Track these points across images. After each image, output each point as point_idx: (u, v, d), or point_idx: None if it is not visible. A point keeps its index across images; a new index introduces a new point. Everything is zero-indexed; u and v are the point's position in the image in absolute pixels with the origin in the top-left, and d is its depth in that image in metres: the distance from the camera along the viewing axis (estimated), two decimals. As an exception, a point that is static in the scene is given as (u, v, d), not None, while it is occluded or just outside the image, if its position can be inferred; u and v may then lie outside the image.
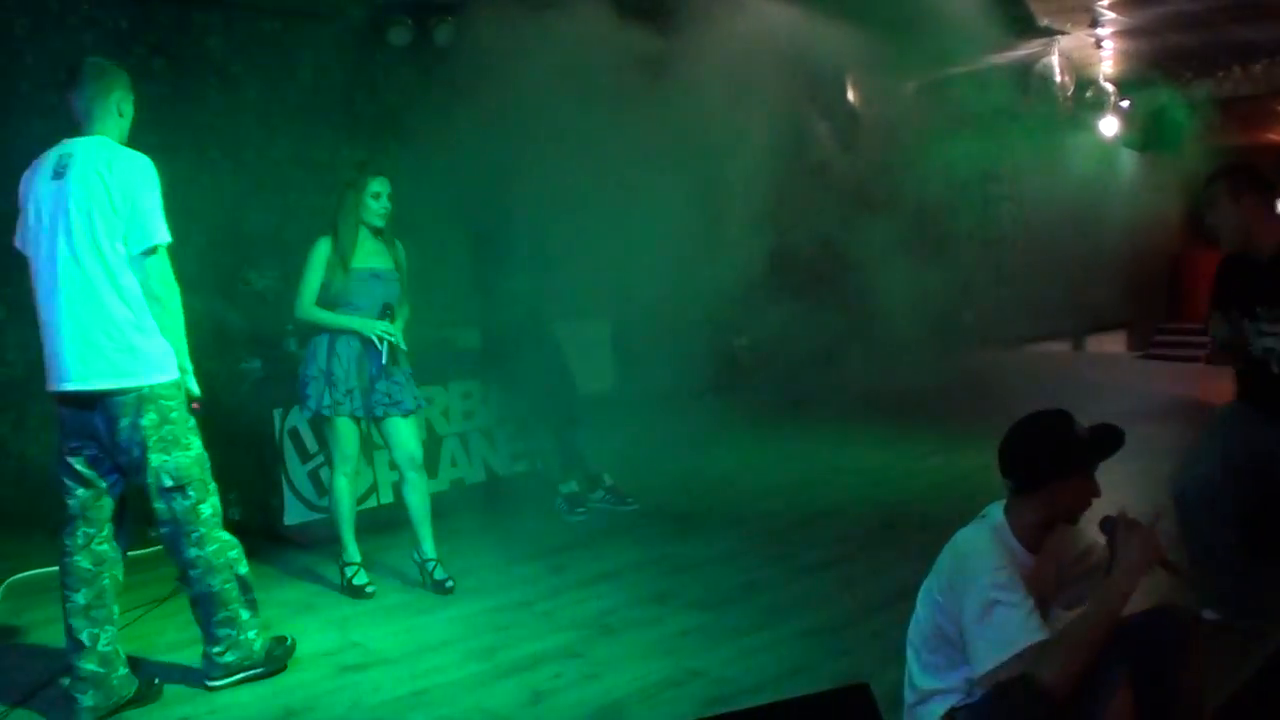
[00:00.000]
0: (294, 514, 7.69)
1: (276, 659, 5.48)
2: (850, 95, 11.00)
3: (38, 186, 4.97)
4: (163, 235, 4.87)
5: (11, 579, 6.98)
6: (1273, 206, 5.33)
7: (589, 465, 8.50)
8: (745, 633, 5.77)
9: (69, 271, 4.85)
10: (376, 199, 6.53)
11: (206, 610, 5.26)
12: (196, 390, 5.10)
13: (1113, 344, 18.38)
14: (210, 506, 5.16)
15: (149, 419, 4.93)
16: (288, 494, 7.67)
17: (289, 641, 5.61)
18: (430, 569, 6.75)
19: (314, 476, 7.82)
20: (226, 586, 5.23)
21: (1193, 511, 5.48)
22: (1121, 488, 3.96)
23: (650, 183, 8.44)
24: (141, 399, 4.90)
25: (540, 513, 8.33)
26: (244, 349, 7.85)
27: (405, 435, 6.62)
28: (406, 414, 6.60)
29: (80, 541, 5.21)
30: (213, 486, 5.20)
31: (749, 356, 10.37)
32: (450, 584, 6.69)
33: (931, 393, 9.54)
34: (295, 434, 7.75)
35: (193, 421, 5.11)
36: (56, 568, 7.11)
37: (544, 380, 8.27)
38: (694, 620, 5.99)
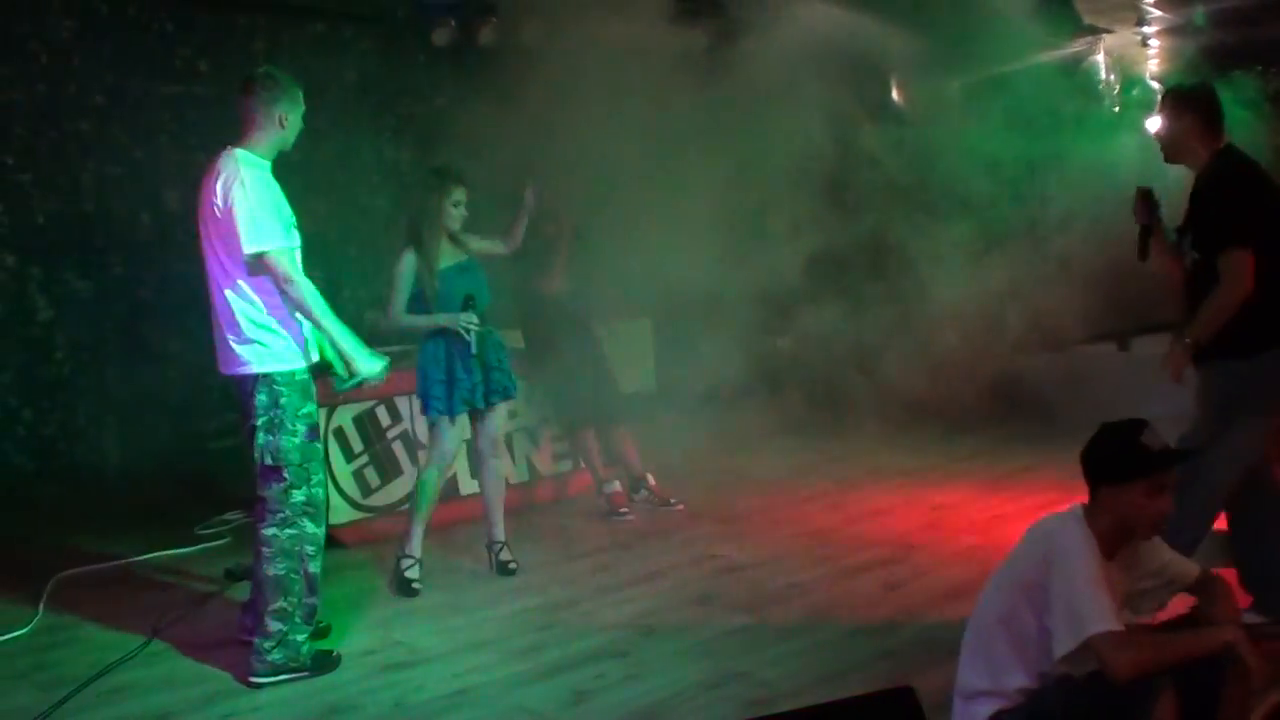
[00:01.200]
0: (339, 513, 7.71)
1: (322, 667, 5.50)
2: (895, 94, 10.93)
3: (202, 190, 5.29)
4: (264, 243, 5.10)
5: (60, 575, 7.04)
6: (1211, 133, 5.45)
7: (632, 465, 8.48)
8: (788, 635, 5.74)
9: (211, 271, 5.28)
10: (457, 206, 6.73)
11: (266, 595, 5.36)
12: (343, 370, 5.45)
13: (1160, 345, 18.22)
14: (304, 494, 5.35)
15: (260, 400, 5.25)
16: (334, 493, 7.68)
17: (335, 655, 5.62)
18: (498, 551, 7.00)
19: (359, 475, 7.87)
20: (293, 576, 5.36)
21: (1239, 511, 5.45)
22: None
23: (694, 180, 8.42)
24: (258, 381, 5.25)
25: (583, 513, 8.33)
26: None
27: (500, 421, 7.01)
28: (509, 399, 6.97)
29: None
30: (317, 478, 5.41)
31: (791, 357, 10.32)
32: (514, 566, 6.97)
33: (975, 394, 9.46)
34: (340, 433, 7.79)
35: (308, 408, 5.36)
36: (104, 565, 7.24)
37: (586, 380, 8.27)
38: (737, 622, 5.97)
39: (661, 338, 10.32)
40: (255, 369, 5.24)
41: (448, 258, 6.75)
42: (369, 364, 5.38)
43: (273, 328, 5.24)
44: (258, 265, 5.14)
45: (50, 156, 9.31)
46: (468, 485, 8.13)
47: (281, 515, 5.31)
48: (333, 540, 7.54)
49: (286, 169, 5.35)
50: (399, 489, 7.99)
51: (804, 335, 9.50)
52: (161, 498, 8.86)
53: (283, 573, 5.33)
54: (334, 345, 5.36)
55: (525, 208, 7.30)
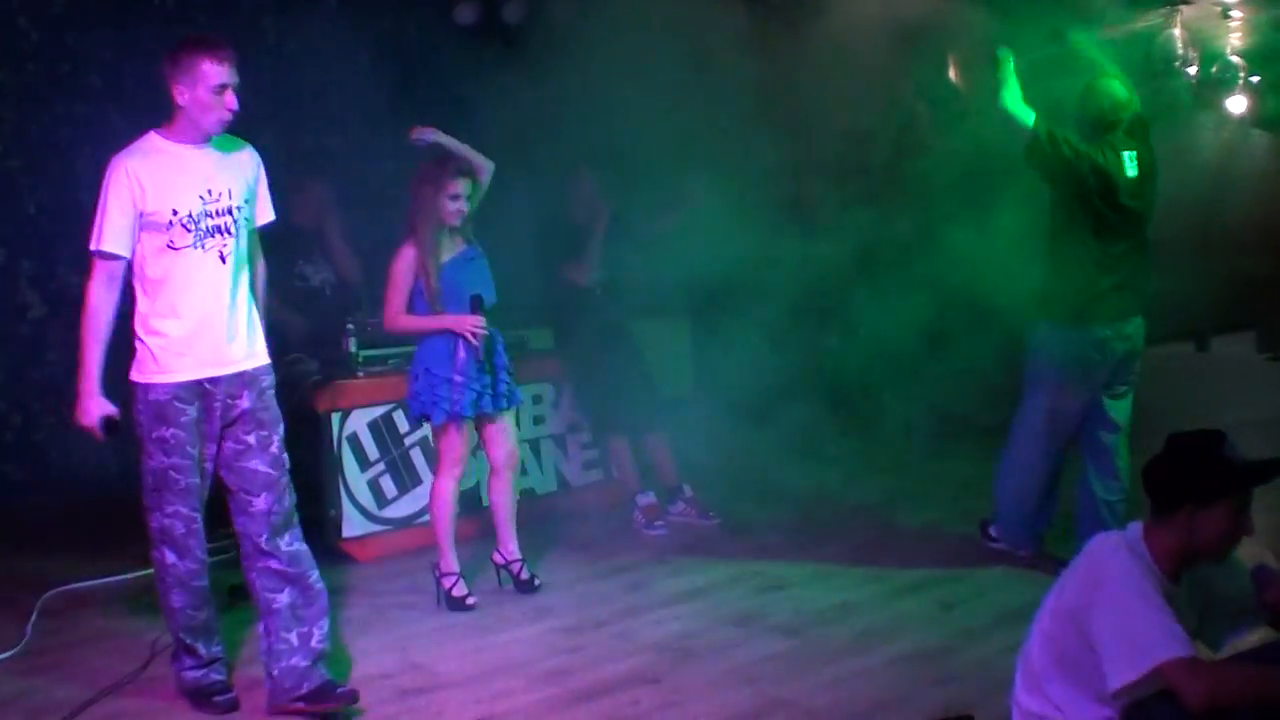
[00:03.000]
0: (353, 525, 7.75)
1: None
2: (952, 73, 10.91)
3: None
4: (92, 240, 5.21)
5: (49, 594, 7.06)
6: None
7: (667, 475, 8.49)
8: (836, 659, 5.75)
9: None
10: (455, 200, 6.67)
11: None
12: (78, 413, 5.29)
13: (1240, 344, 18.08)
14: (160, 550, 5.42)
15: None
16: (346, 504, 7.73)
17: (344, 690, 5.37)
18: (517, 569, 7.00)
19: (374, 485, 7.89)
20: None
21: None
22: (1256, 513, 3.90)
23: (738, 164, 8.43)
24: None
25: (615, 526, 8.35)
26: (300, 349, 7.89)
27: (511, 431, 7.02)
28: (512, 410, 6.98)
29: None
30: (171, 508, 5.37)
31: (839, 357, 10.30)
32: (538, 582, 6.98)
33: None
34: (355, 439, 7.82)
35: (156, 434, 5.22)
36: (98, 582, 7.27)
37: (620, 382, 8.28)
38: (780, 645, 5.98)
39: (700, 336, 10.33)
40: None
41: (448, 250, 6.75)
42: (83, 411, 5.26)
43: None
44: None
45: (42, 141, 9.36)
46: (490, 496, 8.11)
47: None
48: (345, 555, 7.60)
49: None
50: (418, 499, 8.01)
51: (855, 334, 9.49)
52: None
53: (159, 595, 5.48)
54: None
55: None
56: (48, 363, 9.39)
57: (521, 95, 8.38)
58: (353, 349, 7.84)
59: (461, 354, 6.66)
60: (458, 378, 6.64)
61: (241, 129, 5.34)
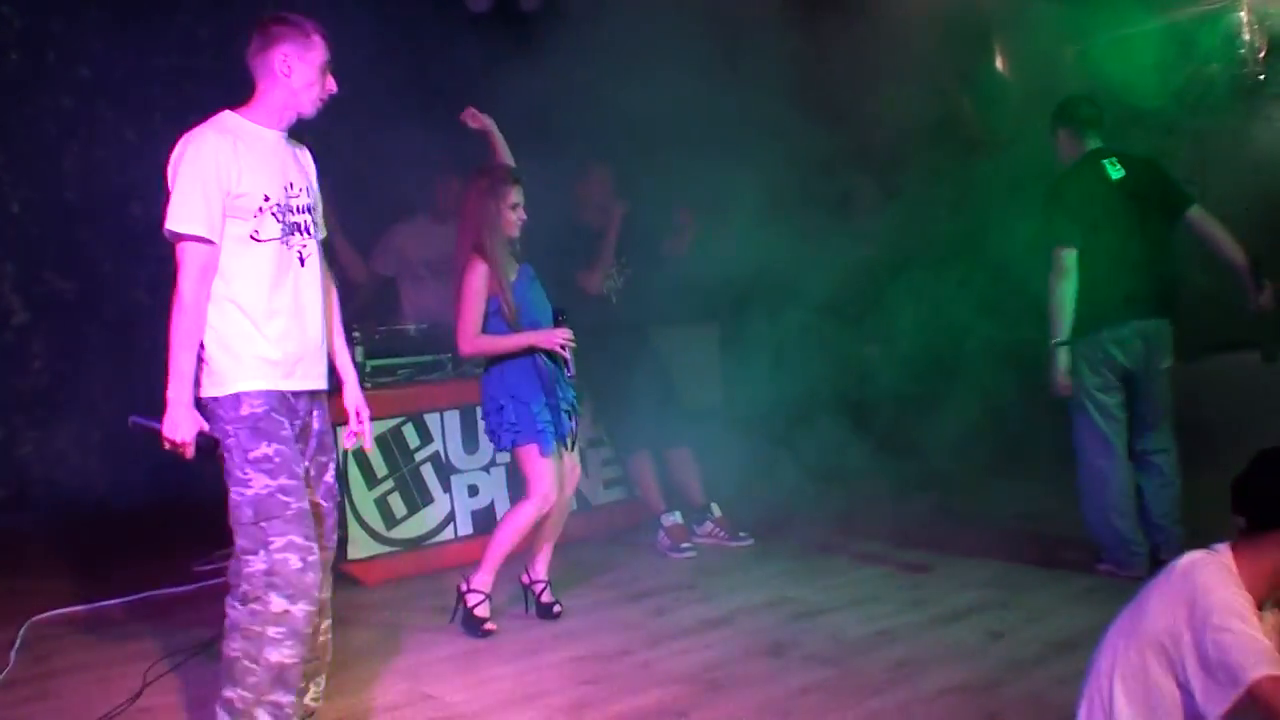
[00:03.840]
0: (359, 547, 7.78)
1: None
2: (999, 62, 10.91)
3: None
4: (170, 221, 4.81)
5: (34, 619, 7.07)
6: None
7: (694, 494, 8.49)
8: (876, 691, 5.73)
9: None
10: (514, 209, 6.73)
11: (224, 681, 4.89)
12: (166, 426, 4.78)
13: (1311, 352, 18.01)
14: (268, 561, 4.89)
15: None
16: (353, 524, 7.75)
17: None
18: (539, 590, 7.06)
19: (382, 504, 7.91)
20: (246, 663, 4.88)
21: None
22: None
23: (767, 163, 8.43)
24: (207, 415, 4.80)
25: (639, 548, 8.35)
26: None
27: (571, 460, 7.04)
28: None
29: None
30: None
31: (878, 367, 10.28)
32: (558, 609, 6.99)
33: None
34: (361, 455, 7.83)
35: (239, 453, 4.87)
36: (85, 607, 7.27)
37: (642, 395, 8.29)
38: (816, 676, 5.97)
39: (730, 344, 10.32)
40: (204, 391, 4.83)
41: (511, 268, 6.78)
42: (173, 423, 4.77)
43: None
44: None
45: (26, 137, 9.41)
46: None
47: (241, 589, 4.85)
48: (351, 578, 7.61)
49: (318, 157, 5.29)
50: (429, 519, 8.06)
51: (897, 342, 9.48)
52: (153, 530, 8.92)
53: (236, 655, 4.81)
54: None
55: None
56: (32, 372, 9.43)
57: (537, 86, 8.38)
58: (359, 359, 7.81)
59: (545, 373, 6.74)
60: (553, 400, 6.74)
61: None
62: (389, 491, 7.96)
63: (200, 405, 4.78)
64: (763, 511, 8.89)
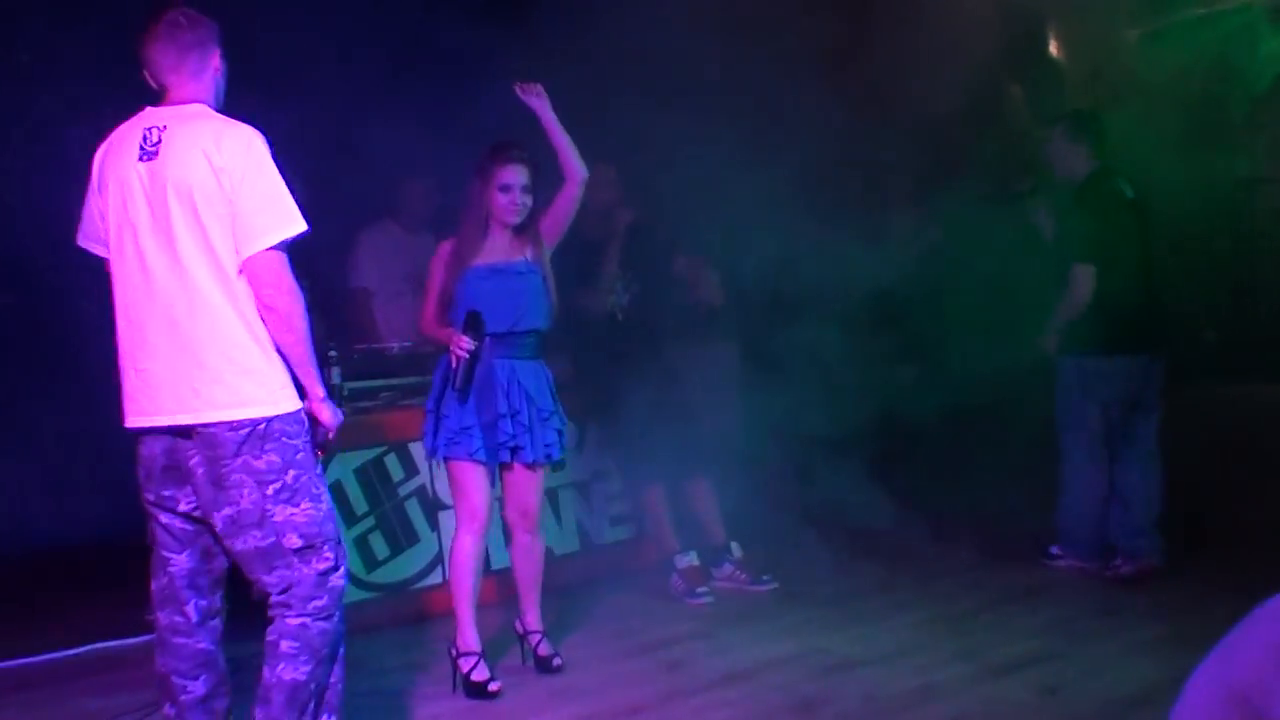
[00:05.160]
0: (337, 593, 7.76)
1: None
2: (1053, 48, 10.93)
3: (120, 169, 4.97)
4: (283, 228, 4.83)
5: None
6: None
7: (712, 531, 8.48)
8: (920, 753, 5.73)
9: (169, 277, 4.86)
10: (507, 191, 6.69)
11: (290, 709, 5.00)
12: (330, 417, 5.10)
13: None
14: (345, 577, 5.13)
15: (269, 460, 4.86)
16: (329, 567, 7.72)
17: None
18: (535, 643, 7.01)
19: (362, 544, 7.89)
20: (339, 687, 5.15)
21: None
22: None
23: (793, 163, 8.44)
24: (259, 435, 4.83)
25: (651, 593, 8.34)
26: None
27: (535, 487, 6.90)
28: (530, 465, 6.81)
29: (195, 619, 5.11)
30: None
31: (918, 389, 10.28)
32: (558, 661, 6.95)
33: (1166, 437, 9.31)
34: (339, 488, 7.79)
35: (321, 467, 5.12)
36: (26, 660, 7.24)
37: (653, 422, 8.27)
38: (852, 736, 5.97)
39: (752, 364, 10.31)
40: (259, 411, 4.83)
41: (496, 254, 6.75)
42: (335, 412, 5.13)
43: (270, 351, 4.91)
44: (254, 263, 4.79)
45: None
46: (499, 557, 7.99)
47: (320, 603, 5.00)
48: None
49: (273, 131, 5.26)
50: (415, 561, 8.06)
51: (935, 363, 9.48)
52: (102, 574, 8.88)
53: (304, 679, 4.98)
54: (301, 384, 5.00)
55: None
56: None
57: (534, 77, 8.39)
58: (336, 380, 7.79)
59: (439, 382, 6.71)
60: (487, 411, 6.63)
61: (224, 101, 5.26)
62: (369, 530, 7.95)
63: (252, 427, 4.83)
64: (788, 552, 8.86)
